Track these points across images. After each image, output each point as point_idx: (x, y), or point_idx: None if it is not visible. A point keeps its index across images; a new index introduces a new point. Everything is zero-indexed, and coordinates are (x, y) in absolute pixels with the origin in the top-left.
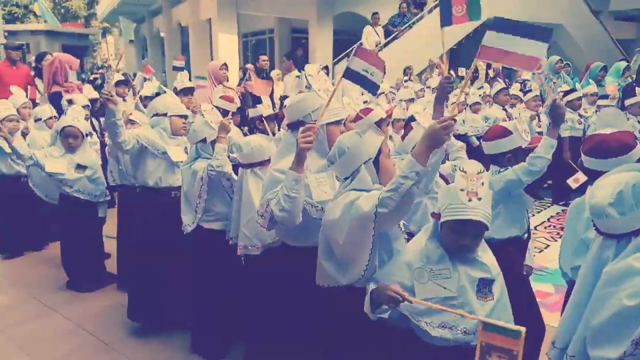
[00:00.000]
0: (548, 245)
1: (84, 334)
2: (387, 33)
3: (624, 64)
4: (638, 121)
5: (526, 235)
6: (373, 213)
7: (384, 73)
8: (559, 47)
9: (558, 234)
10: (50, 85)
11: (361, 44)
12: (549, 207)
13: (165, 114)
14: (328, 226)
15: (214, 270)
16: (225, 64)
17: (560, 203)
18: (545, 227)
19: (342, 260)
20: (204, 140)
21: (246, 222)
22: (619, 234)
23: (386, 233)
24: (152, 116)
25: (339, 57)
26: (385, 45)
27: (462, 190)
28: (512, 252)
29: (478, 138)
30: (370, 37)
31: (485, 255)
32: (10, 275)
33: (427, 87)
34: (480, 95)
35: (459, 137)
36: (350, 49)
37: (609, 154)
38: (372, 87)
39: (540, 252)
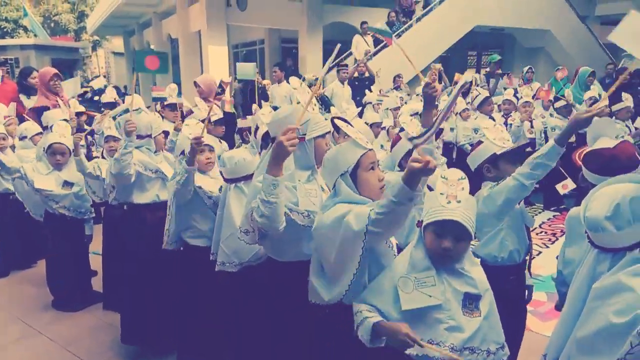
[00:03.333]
0: (540, 252)
1: (69, 355)
2: (376, 42)
3: (588, 69)
4: (626, 125)
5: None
6: (363, 233)
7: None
8: (548, 53)
9: (550, 239)
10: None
11: (351, 53)
12: (540, 212)
13: (149, 135)
14: (319, 240)
15: (199, 289)
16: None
17: (552, 209)
18: (537, 234)
19: (330, 276)
20: (183, 153)
21: (226, 238)
22: (614, 248)
23: (374, 249)
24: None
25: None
26: (375, 54)
27: (442, 194)
28: (511, 279)
29: (471, 145)
30: (360, 46)
31: (473, 269)
32: None
33: (415, 95)
34: (467, 103)
35: (446, 145)
36: (340, 58)
37: (617, 171)
38: None
39: (532, 259)
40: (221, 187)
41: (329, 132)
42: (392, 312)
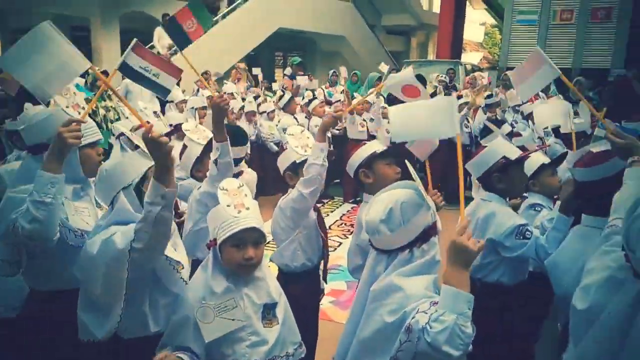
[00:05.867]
0: (341, 243)
1: None
2: None
3: (376, 74)
4: None
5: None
6: (127, 250)
7: (177, 79)
8: (344, 57)
9: (349, 231)
10: None
11: (153, 46)
12: (340, 205)
13: None
14: (84, 269)
15: None
16: None
17: (350, 201)
18: (338, 225)
19: (101, 309)
20: None
21: None
22: (389, 249)
23: (157, 276)
24: None
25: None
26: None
27: (228, 206)
28: (304, 284)
29: (276, 144)
30: (163, 39)
31: (268, 277)
32: None
33: (226, 94)
34: (274, 103)
35: (252, 143)
36: None
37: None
38: (160, 91)
39: (334, 250)
40: None
41: (100, 140)
42: (197, 347)
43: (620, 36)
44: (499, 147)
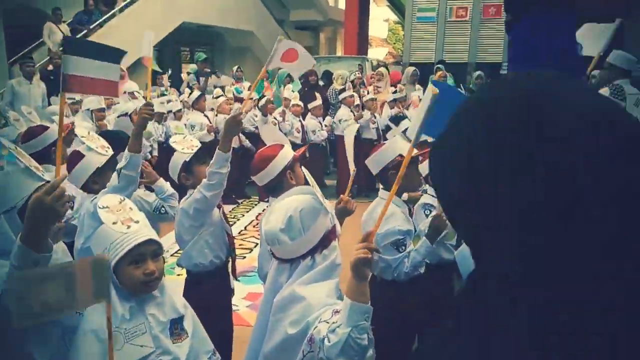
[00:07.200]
0: (257, 244)
1: None
2: (74, 32)
3: (286, 71)
4: (320, 122)
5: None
6: None
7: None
8: (253, 53)
9: None
10: None
11: (43, 43)
12: (256, 205)
13: None
14: None
15: None
16: None
17: (266, 200)
18: (254, 226)
19: None
20: None
21: None
22: (291, 258)
23: None
24: None
25: (16, 56)
26: None
27: (114, 223)
28: (213, 283)
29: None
30: (54, 35)
31: (170, 290)
32: None
33: (123, 92)
34: (181, 101)
35: (162, 144)
36: (30, 47)
37: (255, 171)
38: None
39: (250, 252)
40: None
41: None
42: None
43: None
44: (395, 145)
